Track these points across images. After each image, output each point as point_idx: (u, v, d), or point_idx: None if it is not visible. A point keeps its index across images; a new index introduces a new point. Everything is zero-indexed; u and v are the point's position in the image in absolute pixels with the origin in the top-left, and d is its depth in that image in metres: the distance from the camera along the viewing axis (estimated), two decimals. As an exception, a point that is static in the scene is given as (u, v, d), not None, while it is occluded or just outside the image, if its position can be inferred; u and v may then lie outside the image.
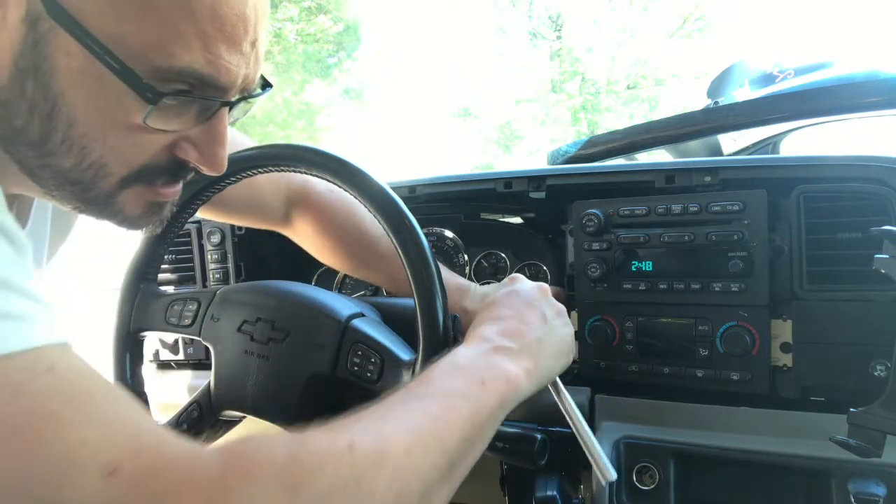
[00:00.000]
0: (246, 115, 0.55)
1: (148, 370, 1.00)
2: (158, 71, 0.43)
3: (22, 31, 0.41)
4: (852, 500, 0.63)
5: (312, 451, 0.38)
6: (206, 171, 0.50)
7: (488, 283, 1.05)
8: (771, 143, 1.21)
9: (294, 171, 0.69)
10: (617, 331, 0.81)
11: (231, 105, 0.49)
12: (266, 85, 0.53)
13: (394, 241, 0.62)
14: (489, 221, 1.09)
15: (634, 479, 0.73)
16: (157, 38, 0.42)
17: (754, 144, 1.23)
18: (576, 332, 0.86)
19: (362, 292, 1.13)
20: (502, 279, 1.04)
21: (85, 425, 0.34)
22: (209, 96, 0.47)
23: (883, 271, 0.59)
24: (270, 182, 0.80)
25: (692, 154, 1.24)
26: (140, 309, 0.77)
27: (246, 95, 0.51)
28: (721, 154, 1.25)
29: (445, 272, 0.68)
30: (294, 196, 0.84)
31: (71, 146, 0.45)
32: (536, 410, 0.82)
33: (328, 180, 0.67)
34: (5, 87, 0.43)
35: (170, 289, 1.03)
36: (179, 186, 0.53)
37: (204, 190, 0.76)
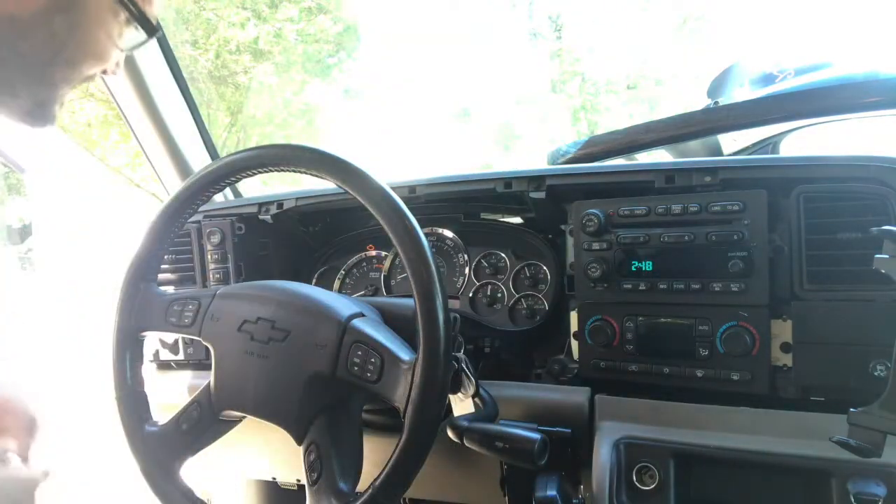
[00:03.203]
0: None
1: (148, 370, 1.00)
2: None
3: None
4: (852, 500, 0.63)
5: None
6: None
7: (489, 283, 1.05)
8: (771, 143, 1.21)
9: (295, 172, 0.69)
10: (617, 331, 0.81)
11: None
12: None
13: (394, 240, 0.62)
14: (489, 221, 1.09)
15: (634, 479, 0.73)
16: None
17: (754, 144, 1.22)
18: (575, 333, 0.86)
19: (362, 292, 1.13)
20: (502, 279, 1.05)
21: None
22: None
23: (883, 271, 0.59)
24: None
25: (692, 154, 1.23)
26: (140, 309, 0.77)
27: None
28: (721, 154, 1.25)
29: None
30: None
31: None
32: (536, 411, 0.82)
33: (328, 180, 0.67)
34: None
35: (170, 289, 1.03)
36: None
37: (204, 189, 0.76)
